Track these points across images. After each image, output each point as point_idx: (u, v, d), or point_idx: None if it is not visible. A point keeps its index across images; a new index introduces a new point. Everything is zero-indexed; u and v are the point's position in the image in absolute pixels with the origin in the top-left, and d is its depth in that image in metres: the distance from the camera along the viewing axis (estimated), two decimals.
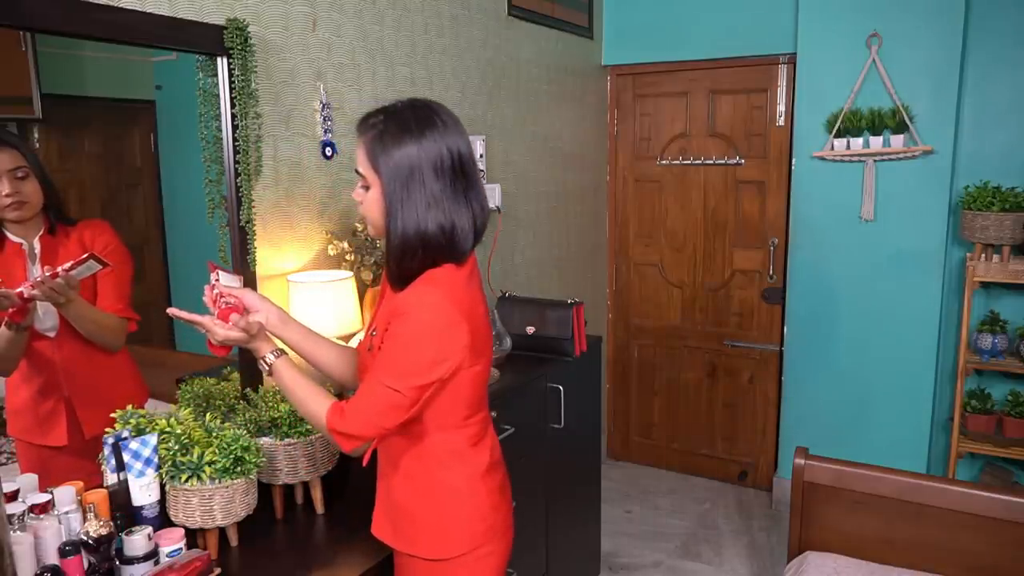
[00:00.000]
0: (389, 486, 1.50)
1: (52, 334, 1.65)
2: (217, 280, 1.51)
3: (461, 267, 1.39)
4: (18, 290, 1.53)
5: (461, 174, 1.34)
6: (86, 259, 1.58)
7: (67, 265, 1.57)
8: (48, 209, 1.63)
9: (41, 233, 1.64)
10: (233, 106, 1.87)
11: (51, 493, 1.50)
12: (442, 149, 1.32)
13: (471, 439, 1.47)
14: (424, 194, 1.31)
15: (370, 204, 1.36)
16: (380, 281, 2.27)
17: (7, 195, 1.55)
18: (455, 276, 1.37)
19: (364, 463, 1.46)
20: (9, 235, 1.61)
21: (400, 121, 1.33)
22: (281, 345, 1.52)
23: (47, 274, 1.54)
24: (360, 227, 2.28)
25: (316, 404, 1.40)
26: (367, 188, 1.36)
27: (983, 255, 2.98)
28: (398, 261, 1.35)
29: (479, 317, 1.42)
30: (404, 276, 1.37)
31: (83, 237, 1.68)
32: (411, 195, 1.31)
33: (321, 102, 2.20)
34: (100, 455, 1.63)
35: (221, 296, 1.48)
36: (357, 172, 1.37)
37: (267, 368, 1.45)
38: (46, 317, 1.64)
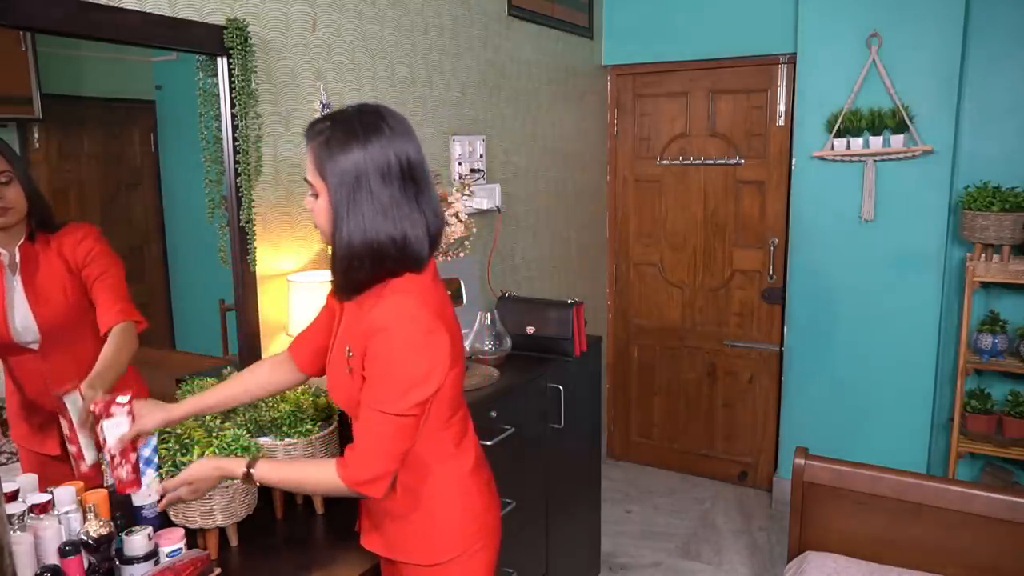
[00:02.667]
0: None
1: (35, 346, 1.61)
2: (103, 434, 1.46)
3: (421, 274, 1.35)
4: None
5: (411, 180, 1.29)
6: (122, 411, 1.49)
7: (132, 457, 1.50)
8: (31, 216, 1.57)
9: (21, 242, 1.58)
10: (233, 106, 1.87)
11: (51, 493, 1.50)
12: (389, 155, 1.27)
13: (454, 439, 1.46)
14: (372, 202, 1.26)
15: (319, 212, 1.31)
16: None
17: None
18: (420, 282, 1.34)
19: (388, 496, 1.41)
20: None
21: (346, 127, 1.28)
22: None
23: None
24: None
25: (319, 474, 1.37)
26: (316, 196, 1.31)
27: (983, 255, 2.98)
28: (344, 271, 1.30)
29: (451, 319, 1.39)
30: (351, 287, 1.33)
31: (63, 246, 1.61)
32: (358, 203, 1.26)
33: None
34: (100, 455, 1.63)
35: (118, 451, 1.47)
36: (306, 180, 1.32)
37: (254, 481, 1.42)
38: (25, 331, 1.58)
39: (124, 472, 1.49)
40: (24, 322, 1.58)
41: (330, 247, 1.34)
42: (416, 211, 1.30)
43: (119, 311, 1.63)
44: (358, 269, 1.29)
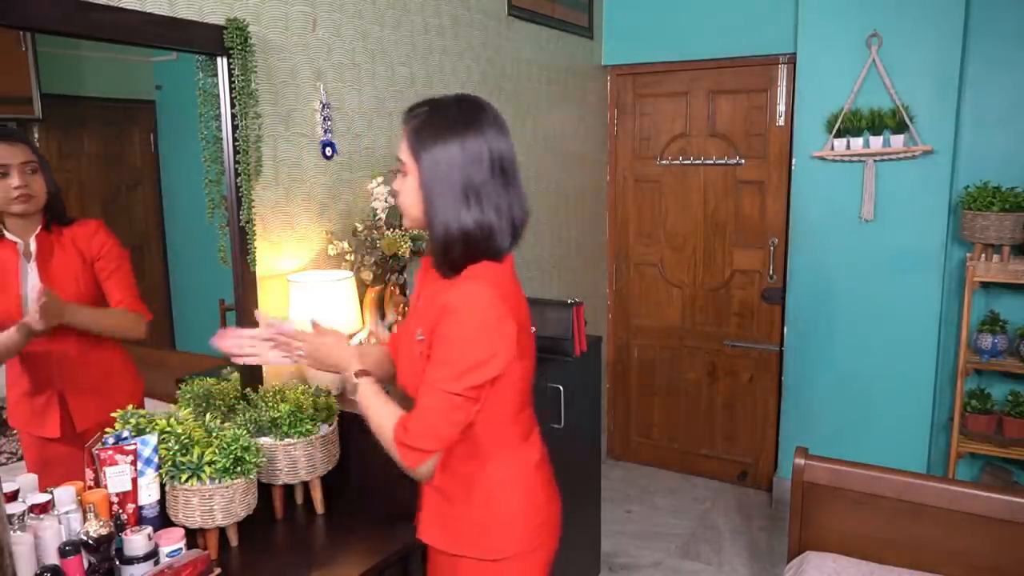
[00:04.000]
0: (439, 487, 1.46)
1: (46, 332, 1.65)
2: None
3: (500, 264, 1.39)
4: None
5: (500, 172, 1.34)
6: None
7: None
8: (48, 208, 1.64)
9: (37, 232, 1.64)
10: (233, 106, 1.87)
11: (51, 493, 1.50)
12: (483, 148, 1.32)
13: (522, 433, 1.48)
14: (460, 190, 1.31)
15: (407, 193, 1.37)
16: (380, 280, 2.28)
17: (16, 187, 1.57)
18: (498, 272, 1.38)
19: (434, 481, 1.42)
20: (6, 233, 1.61)
21: (445, 115, 1.33)
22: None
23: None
24: (360, 227, 2.28)
25: (386, 419, 1.38)
26: (405, 175, 1.37)
27: (983, 255, 2.98)
28: (442, 252, 1.35)
29: (523, 314, 1.43)
30: (452, 265, 1.36)
31: (77, 237, 1.69)
32: (448, 190, 1.31)
33: (321, 102, 2.20)
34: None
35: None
36: (398, 159, 1.37)
37: (356, 381, 1.45)
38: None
39: None
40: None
41: (415, 230, 1.42)
42: (503, 203, 1.35)
43: (130, 304, 1.77)
44: (454, 251, 1.34)
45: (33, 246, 1.64)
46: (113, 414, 1.65)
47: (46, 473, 1.61)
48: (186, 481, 1.58)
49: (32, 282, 1.63)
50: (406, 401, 1.42)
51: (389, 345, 1.65)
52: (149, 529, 1.49)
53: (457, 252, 1.34)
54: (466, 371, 1.30)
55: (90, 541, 1.43)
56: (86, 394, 1.72)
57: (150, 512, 1.62)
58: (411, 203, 1.37)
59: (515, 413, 1.45)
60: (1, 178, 1.56)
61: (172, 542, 1.51)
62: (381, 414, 1.39)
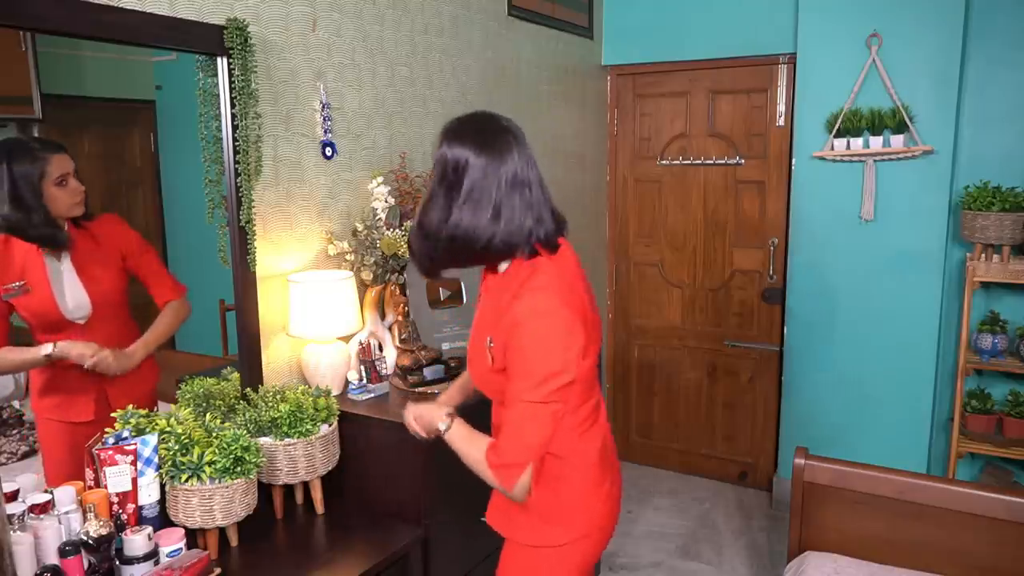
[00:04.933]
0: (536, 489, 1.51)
1: (83, 322, 1.70)
2: None
3: (557, 256, 1.44)
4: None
5: (511, 187, 1.39)
6: None
7: None
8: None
9: (67, 229, 1.69)
10: (233, 106, 1.87)
11: (51, 493, 1.50)
12: (499, 171, 1.38)
13: (580, 426, 1.50)
14: (456, 199, 1.38)
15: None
16: (380, 280, 2.28)
17: (77, 192, 1.65)
18: (558, 270, 1.43)
19: (530, 495, 1.44)
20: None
21: (469, 131, 1.40)
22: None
23: None
24: (360, 227, 2.28)
25: (476, 450, 1.42)
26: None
27: (983, 255, 2.98)
28: (416, 251, 1.45)
29: (586, 308, 1.46)
30: (424, 268, 1.46)
31: (102, 231, 1.75)
32: (444, 195, 1.39)
33: (321, 102, 2.20)
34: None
35: None
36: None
37: (444, 431, 1.49)
38: (77, 308, 1.69)
39: None
40: (76, 300, 1.69)
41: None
42: (510, 215, 1.39)
43: (172, 293, 1.89)
44: (429, 253, 1.43)
45: (67, 244, 1.69)
46: (114, 414, 1.65)
47: (74, 459, 1.64)
48: (186, 481, 1.58)
49: (69, 279, 1.68)
50: (486, 401, 1.54)
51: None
52: (149, 529, 1.49)
53: (435, 254, 1.42)
54: (544, 380, 1.34)
55: (90, 541, 1.43)
56: (120, 378, 1.76)
57: (150, 512, 1.62)
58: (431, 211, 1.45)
59: (575, 407, 1.47)
60: (63, 186, 1.63)
61: (172, 542, 1.51)
62: (471, 447, 1.43)
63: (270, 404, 1.84)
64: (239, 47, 1.86)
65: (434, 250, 1.42)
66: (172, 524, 1.60)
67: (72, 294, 1.68)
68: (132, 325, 1.81)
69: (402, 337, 2.26)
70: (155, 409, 1.79)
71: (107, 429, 1.63)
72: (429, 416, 1.53)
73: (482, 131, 1.40)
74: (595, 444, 1.53)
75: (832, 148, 3.27)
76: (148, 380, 1.85)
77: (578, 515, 1.51)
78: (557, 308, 1.37)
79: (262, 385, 2.01)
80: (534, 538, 1.51)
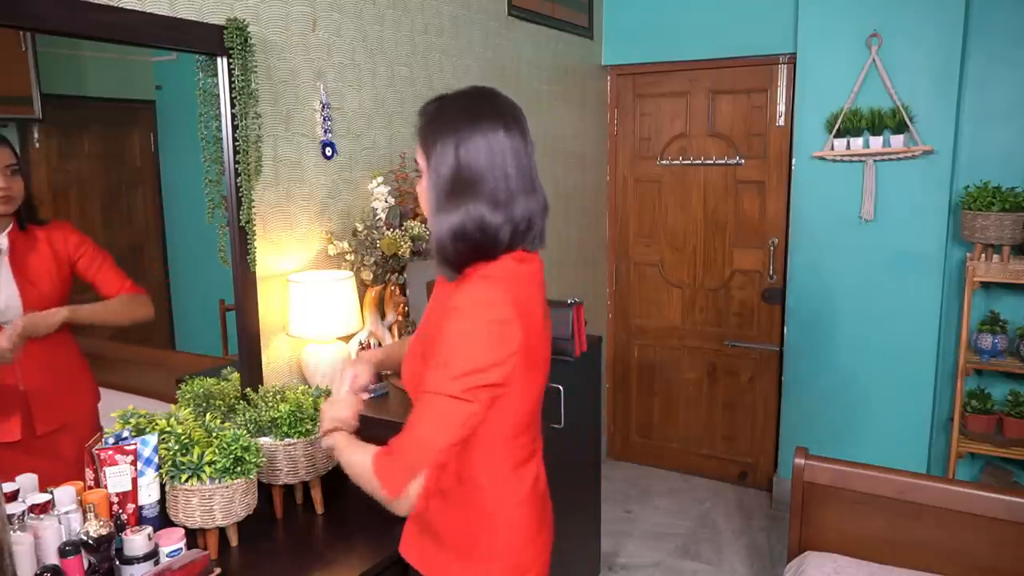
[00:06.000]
0: (420, 511, 1.36)
1: None
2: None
3: (520, 264, 1.30)
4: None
5: (501, 167, 1.27)
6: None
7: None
8: (24, 208, 1.65)
9: (9, 229, 1.65)
10: (233, 106, 1.87)
11: (51, 493, 1.50)
12: (479, 143, 1.25)
13: (513, 460, 1.34)
14: (456, 185, 1.25)
15: (421, 194, 1.33)
16: (380, 280, 2.28)
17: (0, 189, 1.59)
18: (516, 272, 1.29)
19: (416, 509, 1.24)
20: None
21: (449, 111, 1.28)
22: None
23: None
24: (360, 227, 2.28)
25: (361, 454, 1.26)
26: (420, 177, 1.33)
27: (983, 255, 2.98)
28: (439, 252, 1.29)
29: (536, 323, 1.32)
30: (450, 265, 1.29)
31: (52, 238, 1.71)
32: (447, 186, 1.26)
33: (321, 102, 2.20)
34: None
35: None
36: (415, 161, 1.34)
37: (331, 448, 1.36)
38: (8, 309, 1.63)
39: None
40: (8, 301, 1.63)
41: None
42: (504, 197, 1.27)
43: (128, 288, 1.79)
44: (449, 249, 1.27)
45: (5, 243, 1.64)
46: (114, 414, 1.64)
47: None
48: (186, 481, 1.58)
49: (5, 279, 1.63)
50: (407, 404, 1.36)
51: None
52: (149, 529, 1.49)
53: (451, 251, 1.27)
54: (465, 373, 1.19)
55: (90, 541, 1.43)
56: (48, 397, 1.69)
57: (150, 512, 1.62)
58: (423, 204, 1.32)
59: (510, 436, 1.32)
60: None
61: (172, 542, 1.51)
62: (355, 453, 1.28)
63: (270, 404, 1.84)
64: (239, 47, 1.86)
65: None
66: (172, 524, 1.59)
67: (5, 296, 1.62)
68: (70, 343, 1.72)
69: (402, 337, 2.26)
70: (100, 431, 1.68)
71: (108, 428, 1.63)
72: (321, 420, 1.40)
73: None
74: (527, 481, 1.37)
75: (832, 148, 3.27)
76: (83, 399, 1.76)
77: (500, 559, 1.34)
78: (500, 302, 1.22)
79: (262, 385, 2.01)
80: None
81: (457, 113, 1.28)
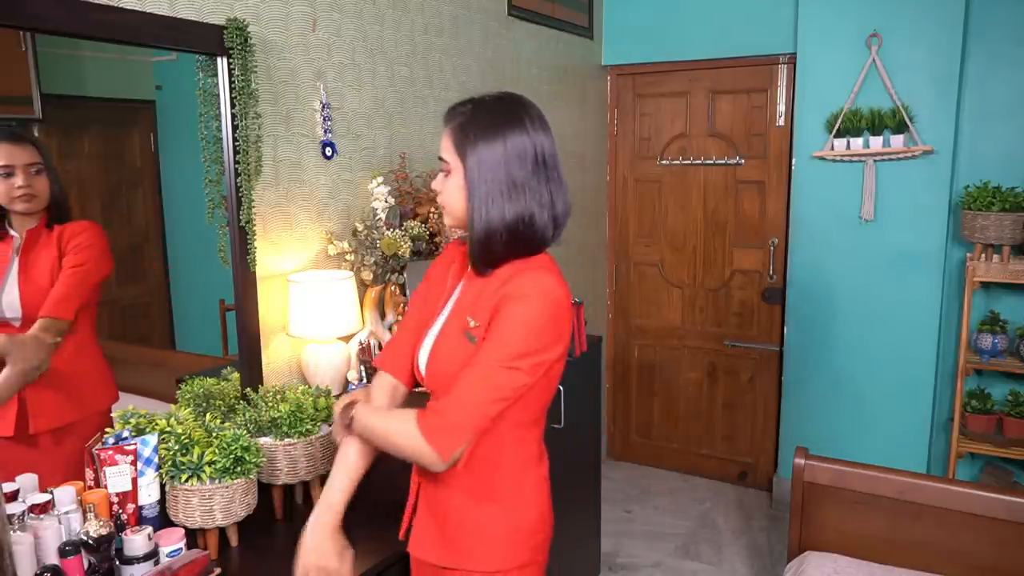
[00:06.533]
0: (444, 494, 1.40)
1: (16, 324, 1.64)
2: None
3: (552, 260, 1.39)
4: None
5: (543, 167, 1.34)
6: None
7: None
8: (50, 207, 1.66)
9: (32, 227, 1.66)
10: (233, 106, 1.87)
11: (51, 493, 1.50)
12: (526, 144, 1.32)
13: (538, 441, 1.45)
14: (505, 186, 1.31)
15: (451, 192, 1.36)
16: (380, 280, 2.28)
17: (19, 187, 1.61)
18: (555, 265, 1.39)
19: (452, 482, 1.35)
20: (9, 229, 1.65)
21: (489, 112, 1.34)
22: None
23: None
24: (360, 227, 2.28)
25: (400, 419, 1.31)
26: (447, 175, 1.36)
27: (983, 255, 2.98)
28: (483, 247, 1.34)
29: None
30: (488, 261, 1.36)
31: (63, 235, 1.70)
32: (494, 186, 1.31)
33: (321, 102, 2.20)
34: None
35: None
36: (441, 159, 1.38)
37: (350, 423, 1.40)
38: (8, 307, 1.63)
39: None
40: (9, 298, 1.64)
41: (458, 229, 1.41)
42: (545, 195, 1.34)
43: (49, 309, 1.66)
44: (496, 244, 1.33)
45: (21, 240, 1.66)
46: (114, 414, 1.64)
47: None
48: (186, 481, 1.58)
49: (12, 275, 1.65)
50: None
51: (393, 371, 1.50)
52: (149, 529, 1.49)
53: (499, 247, 1.33)
54: (526, 353, 1.27)
55: (90, 541, 1.43)
56: (47, 395, 1.67)
57: (150, 512, 1.62)
58: (454, 201, 1.36)
59: (537, 419, 1.41)
60: (7, 177, 1.60)
61: (172, 542, 1.51)
62: (389, 419, 1.34)
63: (270, 404, 1.84)
64: (239, 47, 1.86)
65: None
66: (172, 524, 1.59)
67: (9, 293, 1.64)
68: (85, 345, 1.71)
69: None
70: (103, 432, 1.64)
71: (108, 428, 1.63)
72: (319, 530, 1.40)
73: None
74: (544, 469, 1.46)
75: (832, 148, 3.27)
76: (96, 400, 1.74)
77: (532, 535, 1.41)
78: (557, 289, 1.32)
79: (262, 385, 2.01)
80: (477, 562, 1.37)
81: (497, 114, 1.34)
